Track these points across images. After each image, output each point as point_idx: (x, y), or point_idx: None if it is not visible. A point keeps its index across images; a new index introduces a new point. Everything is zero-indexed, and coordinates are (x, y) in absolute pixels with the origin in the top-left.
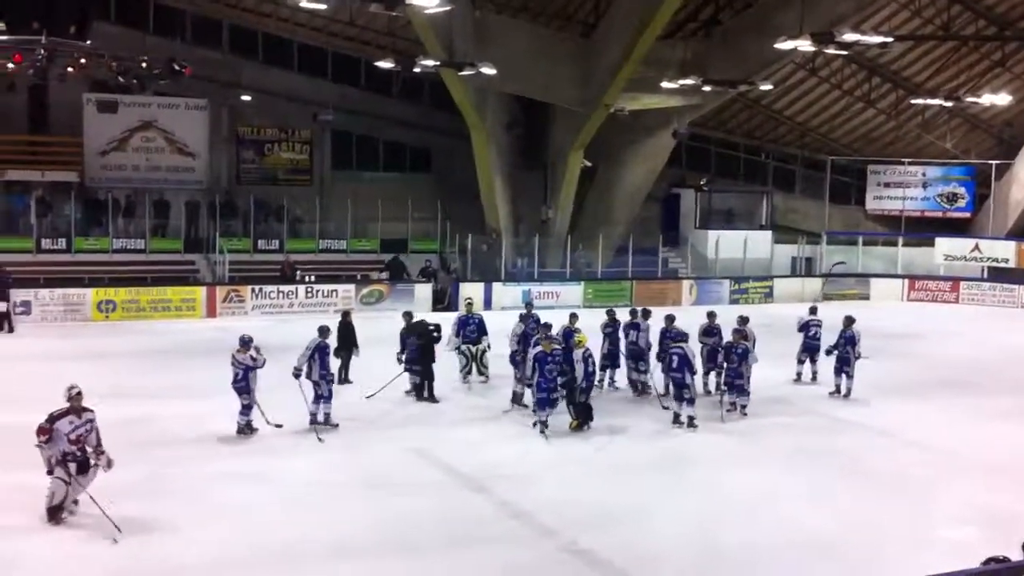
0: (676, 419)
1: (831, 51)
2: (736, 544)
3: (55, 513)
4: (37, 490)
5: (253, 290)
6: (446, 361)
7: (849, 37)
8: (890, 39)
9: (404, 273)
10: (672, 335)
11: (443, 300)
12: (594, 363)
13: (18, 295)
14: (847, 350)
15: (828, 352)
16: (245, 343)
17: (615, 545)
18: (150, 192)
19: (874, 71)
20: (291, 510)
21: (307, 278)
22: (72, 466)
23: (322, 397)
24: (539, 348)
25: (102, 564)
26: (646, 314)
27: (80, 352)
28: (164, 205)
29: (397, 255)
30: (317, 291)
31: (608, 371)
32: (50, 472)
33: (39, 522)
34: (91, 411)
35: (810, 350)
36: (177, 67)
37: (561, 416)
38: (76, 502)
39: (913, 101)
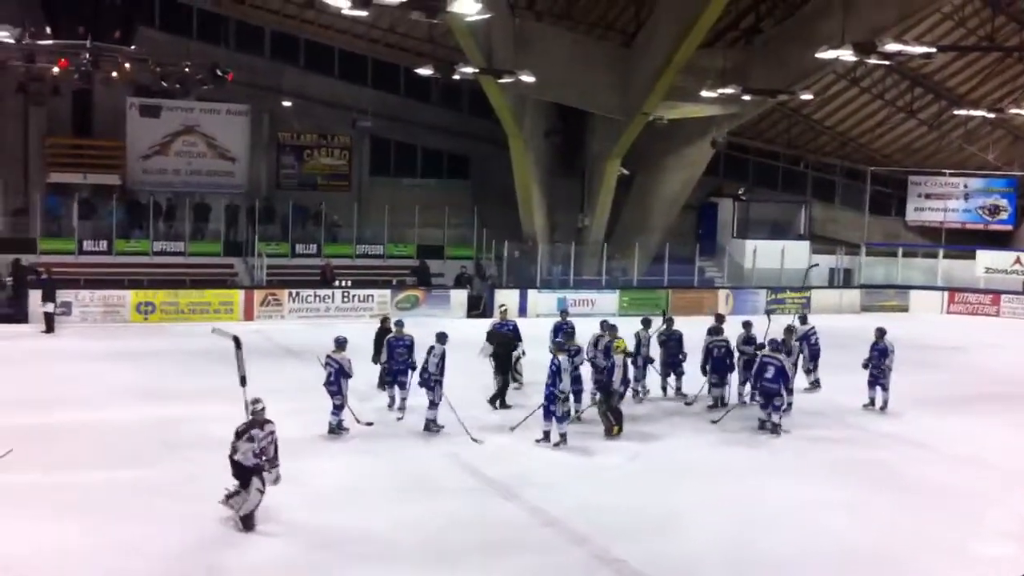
0: (763, 425)
1: (873, 61)
2: (770, 555)
3: (249, 521)
4: (71, 489)
5: (290, 294)
6: (477, 367)
7: (891, 47)
8: (933, 49)
9: (428, 277)
10: (753, 342)
11: (478, 307)
12: (629, 369)
13: (59, 296)
14: (881, 362)
15: (864, 366)
16: (340, 344)
17: (647, 554)
18: (191, 196)
19: (916, 81)
20: (324, 513)
21: (344, 283)
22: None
23: (433, 403)
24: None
25: (146, 562)
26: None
27: (118, 353)
28: (204, 208)
29: (424, 260)
30: (353, 296)
31: (672, 378)
32: (246, 484)
33: (83, 519)
34: (272, 423)
35: (814, 358)
36: (220, 72)
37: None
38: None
39: (956, 112)
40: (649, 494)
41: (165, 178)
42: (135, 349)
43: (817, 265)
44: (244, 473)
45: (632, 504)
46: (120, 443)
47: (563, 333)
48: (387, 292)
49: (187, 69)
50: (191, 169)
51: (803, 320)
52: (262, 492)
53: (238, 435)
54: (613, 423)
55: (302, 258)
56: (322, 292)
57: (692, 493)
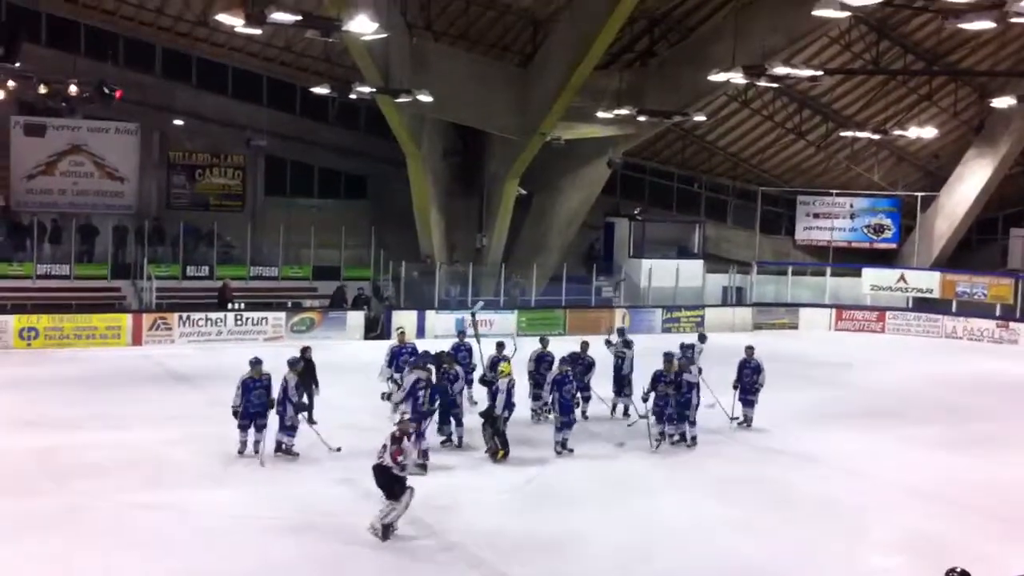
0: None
1: (763, 84)
2: (666, 573)
3: (389, 530)
4: None
5: (181, 317)
6: (375, 389)
7: (780, 70)
8: (820, 73)
9: (344, 304)
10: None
11: (376, 328)
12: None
13: None
14: (755, 379)
15: (734, 385)
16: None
17: (544, 575)
18: (77, 217)
19: (804, 104)
20: (215, 543)
21: (237, 305)
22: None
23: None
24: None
25: None
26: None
27: (0, 381)
28: (91, 230)
29: (342, 285)
30: (247, 319)
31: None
32: (397, 494)
33: None
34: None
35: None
36: (107, 90)
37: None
38: None
39: (842, 133)
40: (545, 515)
41: (50, 198)
42: (17, 377)
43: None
44: (394, 482)
45: (528, 526)
46: None
47: (462, 353)
48: (282, 315)
49: (74, 87)
50: (78, 189)
51: (701, 339)
52: (410, 502)
53: (395, 443)
54: (499, 447)
55: (194, 280)
56: (214, 315)
57: (588, 513)
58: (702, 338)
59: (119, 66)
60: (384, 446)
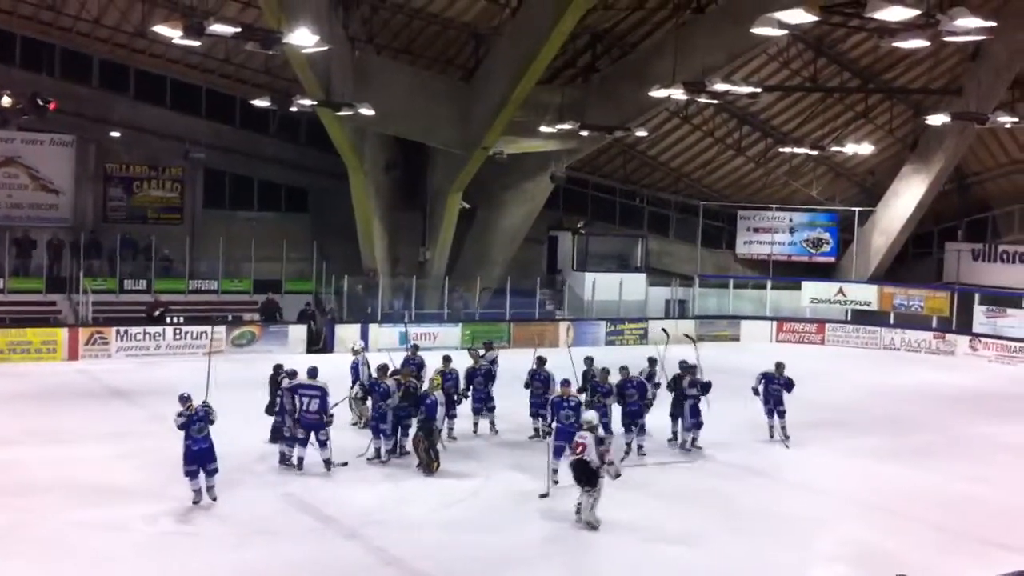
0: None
1: (703, 100)
2: None
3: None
4: None
5: (118, 331)
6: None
7: (720, 87)
8: (759, 90)
9: (278, 314)
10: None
11: (318, 342)
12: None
13: None
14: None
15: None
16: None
17: None
18: (12, 230)
19: (744, 120)
20: (156, 560)
21: (173, 319)
22: None
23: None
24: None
25: None
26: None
27: None
28: (26, 243)
29: (269, 294)
30: (186, 333)
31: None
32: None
33: None
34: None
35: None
36: (41, 102)
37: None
38: None
39: (781, 149)
40: (491, 529)
41: None
42: None
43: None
44: (592, 474)
45: (473, 540)
46: None
47: (411, 367)
48: (222, 329)
49: (7, 98)
50: (12, 202)
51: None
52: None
53: (600, 444)
54: (433, 459)
55: (131, 294)
56: (152, 329)
57: (534, 527)
58: (665, 332)
59: (55, 77)
60: (581, 445)
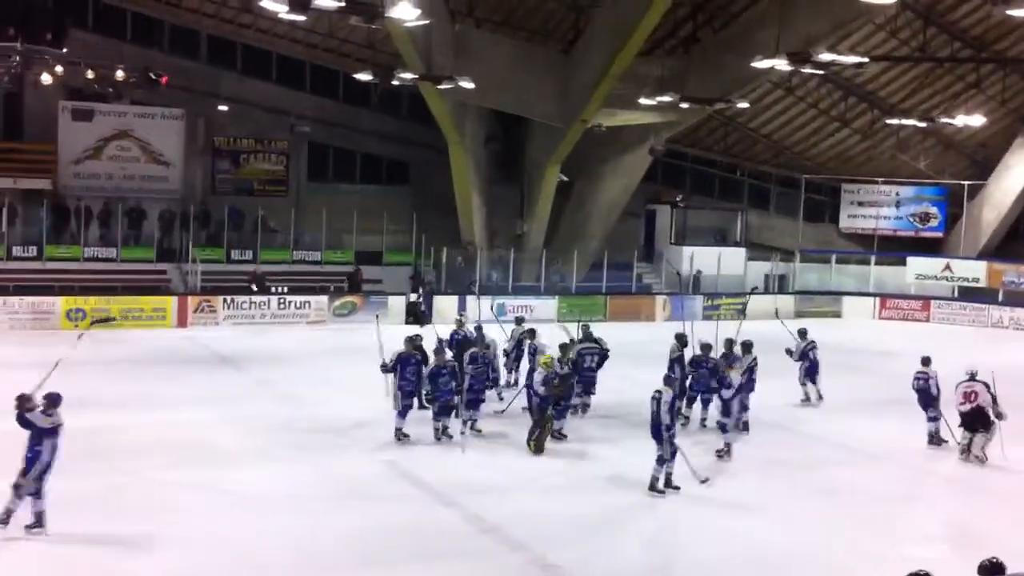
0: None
1: (807, 71)
2: (704, 561)
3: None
4: None
5: (225, 300)
6: None
7: (825, 57)
8: (865, 60)
9: (274, 287)
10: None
11: (421, 314)
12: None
13: None
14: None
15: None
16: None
17: (582, 560)
18: (124, 201)
19: (850, 91)
20: (258, 523)
21: (277, 288)
22: None
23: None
24: (433, 363)
25: None
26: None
27: (47, 360)
28: (137, 214)
29: (357, 269)
30: (289, 303)
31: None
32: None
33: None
34: None
35: (811, 372)
36: (153, 76)
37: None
38: None
39: (888, 121)
40: (586, 502)
41: (98, 183)
42: (62, 356)
43: (757, 288)
44: (985, 417)
45: (568, 511)
46: None
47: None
48: (324, 299)
49: (120, 72)
50: (124, 174)
51: (803, 334)
52: None
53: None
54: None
55: (238, 264)
56: (257, 299)
57: (628, 500)
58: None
59: (165, 52)
60: (974, 392)
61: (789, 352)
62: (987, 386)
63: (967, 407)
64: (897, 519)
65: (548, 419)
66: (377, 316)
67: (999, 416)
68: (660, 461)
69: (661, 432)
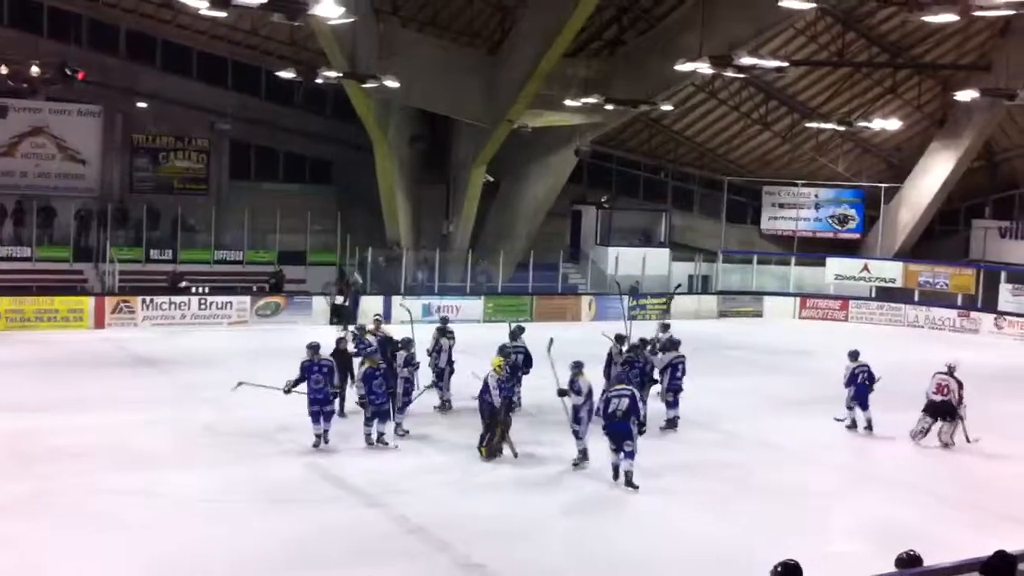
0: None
1: (729, 74)
2: (632, 559)
3: None
4: None
5: (144, 301)
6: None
7: (746, 61)
8: (786, 64)
9: (195, 288)
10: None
11: (345, 314)
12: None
13: None
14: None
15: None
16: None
17: (509, 559)
18: (38, 199)
19: (771, 94)
20: (187, 526)
21: (198, 289)
22: None
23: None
24: (366, 365)
25: None
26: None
27: None
28: (53, 212)
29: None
30: (211, 303)
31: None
32: None
33: None
34: None
35: (860, 396)
36: (70, 71)
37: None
38: None
39: (807, 125)
40: (511, 500)
41: (12, 180)
42: None
43: (680, 286)
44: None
45: (493, 511)
46: None
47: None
48: (246, 299)
49: (36, 68)
50: (39, 171)
51: (855, 357)
52: None
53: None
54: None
55: (157, 264)
56: (177, 299)
57: (557, 500)
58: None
59: (82, 47)
60: (945, 387)
61: (644, 341)
62: (960, 384)
63: (939, 398)
64: (822, 517)
65: (499, 424)
66: (409, 310)
67: (959, 416)
68: (630, 455)
69: (632, 429)
